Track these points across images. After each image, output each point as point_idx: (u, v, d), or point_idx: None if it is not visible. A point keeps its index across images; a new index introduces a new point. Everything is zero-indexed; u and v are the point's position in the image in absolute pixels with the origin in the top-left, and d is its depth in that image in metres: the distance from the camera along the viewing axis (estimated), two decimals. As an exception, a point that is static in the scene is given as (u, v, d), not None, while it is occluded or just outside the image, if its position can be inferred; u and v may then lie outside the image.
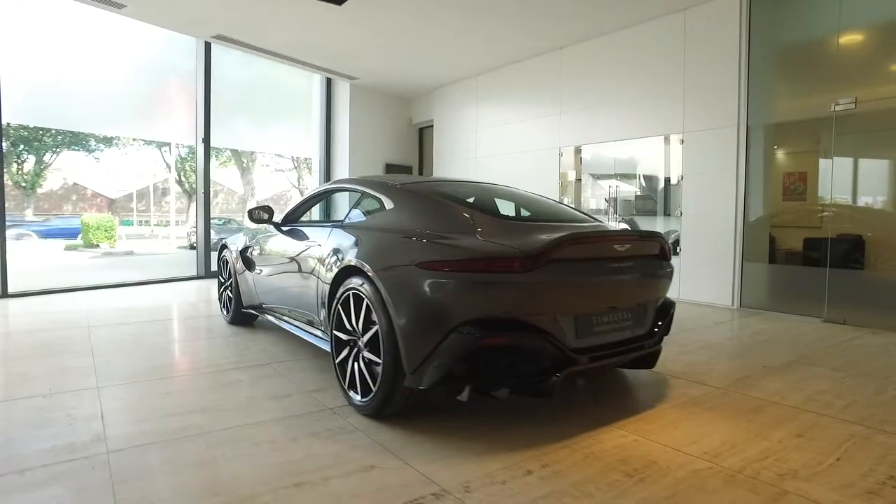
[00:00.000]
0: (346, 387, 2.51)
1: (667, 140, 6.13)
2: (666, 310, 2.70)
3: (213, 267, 7.72)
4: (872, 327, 4.50)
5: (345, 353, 2.53)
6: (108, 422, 2.29)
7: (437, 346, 2.08)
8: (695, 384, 2.95)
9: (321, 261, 2.88)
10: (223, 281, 4.52)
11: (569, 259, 2.21)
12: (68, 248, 16.46)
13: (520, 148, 7.85)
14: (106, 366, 3.16)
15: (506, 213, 2.70)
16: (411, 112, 10.27)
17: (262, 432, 2.21)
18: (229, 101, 8.51)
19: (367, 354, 2.35)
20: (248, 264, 4.03)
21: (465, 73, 8.52)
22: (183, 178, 31.02)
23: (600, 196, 6.89)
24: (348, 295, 2.48)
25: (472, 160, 8.79)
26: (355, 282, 2.42)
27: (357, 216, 3.00)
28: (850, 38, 4.83)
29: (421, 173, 10.57)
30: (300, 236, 3.37)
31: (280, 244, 3.58)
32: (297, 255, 3.27)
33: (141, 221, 33.96)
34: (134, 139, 25.63)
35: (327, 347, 2.91)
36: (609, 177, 6.81)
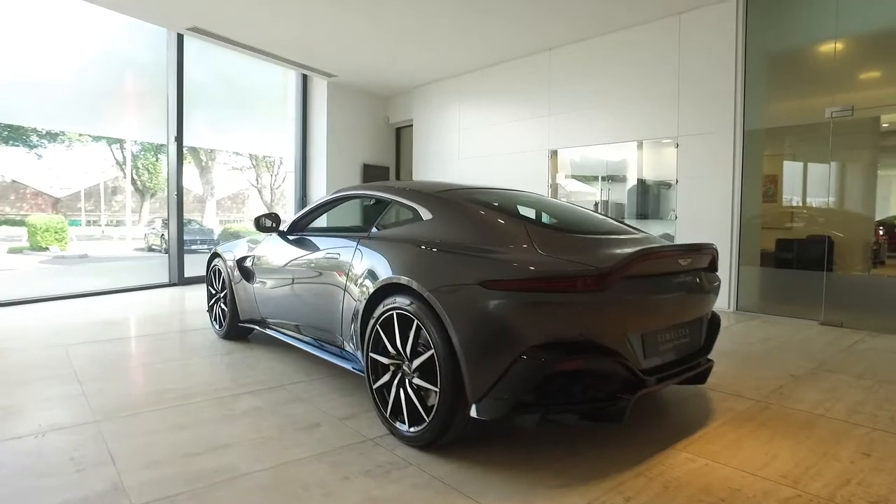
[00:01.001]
0: (387, 415, 2.29)
1: (659, 143, 6.13)
2: (715, 324, 2.61)
3: (188, 273, 7.28)
4: (869, 329, 4.59)
5: (385, 378, 2.31)
6: (122, 466, 2.00)
7: (505, 373, 1.91)
8: (732, 396, 2.88)
9: (348, 275, 2.65)
10: (214, 292, 4.18)
11: (638, 275, 2.07)
12: (12, 251, 15.31)
13: (506, 149, 7.74)
14: (98, 393, 2.82)
15: (556, 225, 2.53)
16: (388, 111, 10.02)
17: (307, 472, 1.97)
18: (197, 97, 8.05)
19: (417, 381, 2.14)
20: (247, 275, 3.73)
21: (448, 71, 8.33)
22: (136, 177, 29.49)
23: (590, 199, 6.85)
24: (391, 315, 2.26)
25: (454, 161, 8.62)
26: (401, 301, 2.21)
27: (387, 227, 2.79)
28: (847, 45, 4.93)
29: (398, 174, 10.33)
30: (313, 246, 3.12)
31: (288, 254, 3.31)
32: (312, 267, 3.02)
33: (90, 221, 32.19)
34: (80, 135, 24.22)
35: (348, 366, 2.69)
36: (599, 179, 6.78)
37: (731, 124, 5.43)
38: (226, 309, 3.97)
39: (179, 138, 7.06)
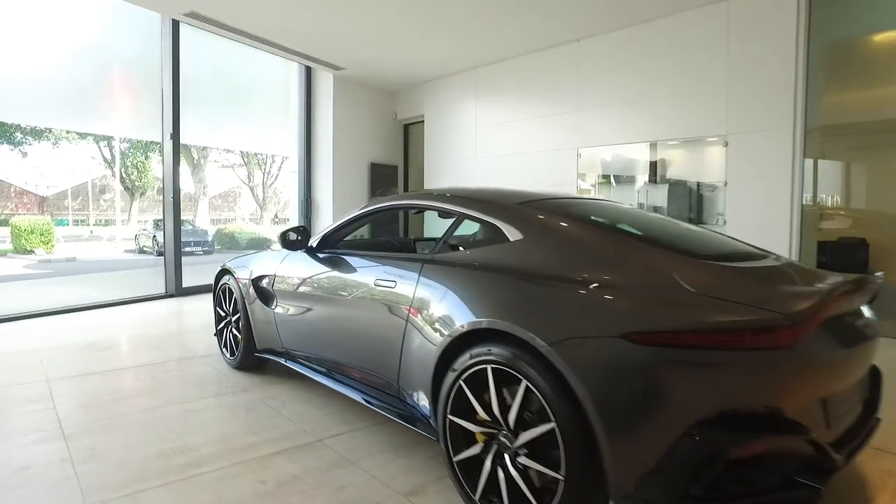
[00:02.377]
0: (476, 497, 1.75)
1: (702, 143, 5.63)
2: (877, 372, 2.08)
3: (185, 283, 6.68)
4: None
5: (473, 450, 1.77)
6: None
7: (664, 458, 1.37)
8: (882, 453, 2.33)
9: (411, 310, 2.10)
10: (224, 315, 3.61)
11: (822, 322, 1.54)
12: (-6, 254, 14.57)
13: (528, 148, 7.19)
14: (89, 458, 2.24)
15: (687, 249, 1.98)
16: (396, 106, 9.44)
17: None
18: (192, 92, 7.45)
19: (526, 461, 1.60)
20: (266, 298, 3.16)
21: (465, 64, 7.77)
22: (125, 175, 28.66)
23: (625, 202, 6.33)
24: (482, 369, 1.72)
25: (470, 159, 8.07)
26: (500, 353, 1.67)
27: (455, 247, 2.25)
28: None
29: (406, 173, 9.77)
30: (354, 268, 2.57)
31: (320, 276, 2.76)
32: (358, 295, 2.47)
33: (77, 221, 31.23)
34: (67, 132, 23.38)
35: (410, 425, 2.14)
36: (634, 181, 6.26)
37: (791, 120, 4.93)
38: (239, 336, 3.40)
39: (176, 135, 6.45)
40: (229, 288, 3.51)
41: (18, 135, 22.55)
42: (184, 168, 27.09)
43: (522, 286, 1.76)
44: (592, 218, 2.05)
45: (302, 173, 8.74)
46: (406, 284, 2.17)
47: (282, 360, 3.10)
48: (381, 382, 2.33)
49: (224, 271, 3.60)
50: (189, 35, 6.49)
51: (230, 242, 18.39)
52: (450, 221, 2.30)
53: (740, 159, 5.26)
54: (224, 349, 3.63)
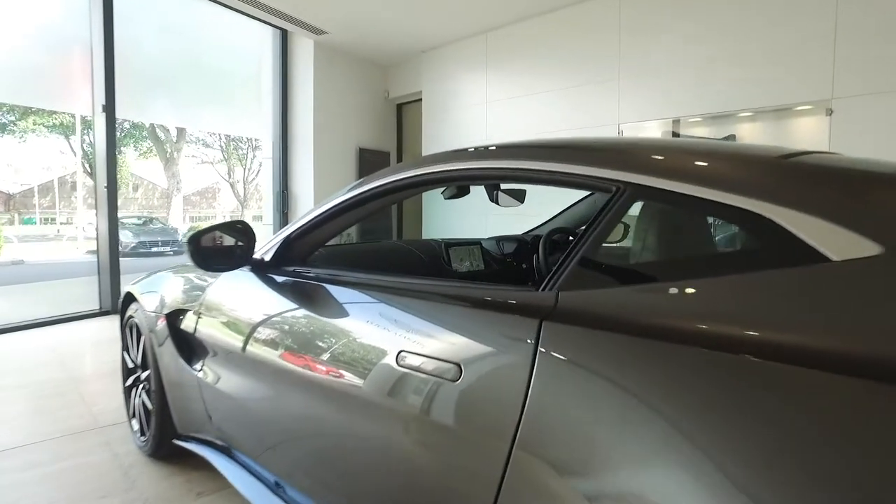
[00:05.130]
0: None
1: (791, 112, 4.37)
2: None
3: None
4: None
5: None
6: None
7: None
8: None
9: (527, 441, 0.80)
10: (132, 366, 2.25)
11: None
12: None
13: (555, 127, 5.88)
14: None
15: None
16: (388, 83, 8.10)
17: None
18: (148, 64, 6.05)
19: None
20: (186, 348, 1.81)
21: (470, 28, 6.44)
22: (95, 170, 26.95)
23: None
24: None
25: (480, 143, 6.72)
26: None
27: (643, 275, 0.99)
28: None
29: (400, 160, 8.42)
30: (346, 312, 1.25)
31: (278, 321, 1.42)
32: (354, 378, 1.14)
33: (46, 220, 29.55)
34: (35, 124, 21.59)
35: None
36: (695, 164, 4.99)
37: (925, 79, 3.68)
38: (149, 406, 2.05)
39: (110, 108, 5.03)
40: (136, 325, 2.15)
41: (-23, 128, 20.76)
42: (156, 162, 25.45)
43: None
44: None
45: (277, 160, 7.35)
46: (493, 374, 0.91)
47: (215, 458, 1.75)
48: None
49: (129, 298, 2.23)
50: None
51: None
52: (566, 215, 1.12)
53: (851, 130, 4.00)
54: (133, 420, 2.27)
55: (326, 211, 1.49)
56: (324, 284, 1.36)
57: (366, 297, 1.24)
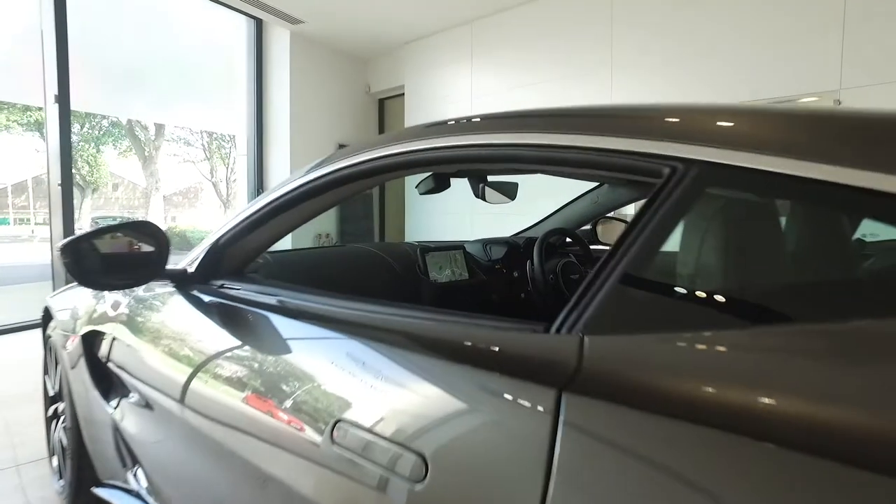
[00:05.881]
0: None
1: (798, 103, 4.11)
2: None
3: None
4: None
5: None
6: None
7: None
8: None
9: None
10: (52, 395, 1.89)
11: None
12: None
13: (543, 121, 5.58)
14: None
15: None
16: (370, 77, 7.76)
17: None
18: (114, 55, 5.66)
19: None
20: (101, 379, 1.47)
21: (454, 18, 6.14)
22: (75, 171, 26.28)
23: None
24: None
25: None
26: None
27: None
28: None
29: (383, 159, 8.07)
30: (290, 348, 0.92)
31: (209, 348, 1.09)
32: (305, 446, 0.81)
33: (20, 220, 28.78)
34: (8, 119, 20.84)
35: None
36: (691, 160, 4.73)
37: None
38: (66, 445, 1.70)
39: (63, 99, 4.63)
40: (54, 347, 1.80)
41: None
42: (134, 161, 24.77)
43: None
44: None
45: (252, 157, 6.97)
46: (478, 480, 0.56)
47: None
48: None
49: (47, 314, 1.88)
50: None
51: (181, 243, 16.38)
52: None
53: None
54: (53, 458, 1.91)
55: (266, 207, 1.16)
56: (251, 309, 1.03)
57: (300, 329, 0.92)
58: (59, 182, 4.71)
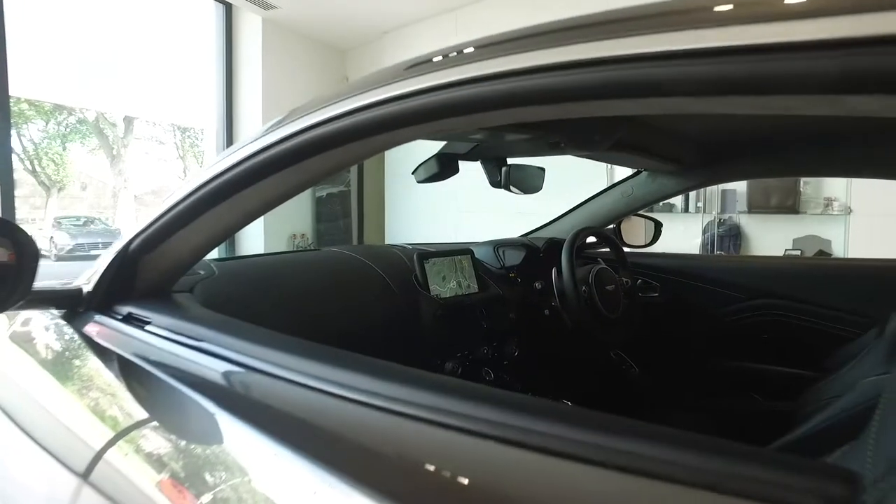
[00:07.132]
0: None
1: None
2: None
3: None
4: None
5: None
6: None
7: None
8: None
9: None
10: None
11: None
12: None
13: (533, 114, 5.26)
14: None
15: None
16: (347, 68, 7.36)
17: None
18: (71, 41, 5.16)
19: None
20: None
21: (436, 6, 5.80)
22: (39, 168, 25.23)
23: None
24: None
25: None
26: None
27: None
28: None
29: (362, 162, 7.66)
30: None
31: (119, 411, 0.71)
32: None
33: (-16, 221, 27.67)
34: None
35: None
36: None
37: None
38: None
39: (1, 87, 4.13)
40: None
41: None
42: (101, 157, 23.84)
43: None
44: None
45: (222, 151, 6.50)
46: None
47: None
48: None
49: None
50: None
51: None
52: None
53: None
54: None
55: (200, 191, 0.79)
56: (163, 376, 0.65)
57: (259, 422, 0.55)
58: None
